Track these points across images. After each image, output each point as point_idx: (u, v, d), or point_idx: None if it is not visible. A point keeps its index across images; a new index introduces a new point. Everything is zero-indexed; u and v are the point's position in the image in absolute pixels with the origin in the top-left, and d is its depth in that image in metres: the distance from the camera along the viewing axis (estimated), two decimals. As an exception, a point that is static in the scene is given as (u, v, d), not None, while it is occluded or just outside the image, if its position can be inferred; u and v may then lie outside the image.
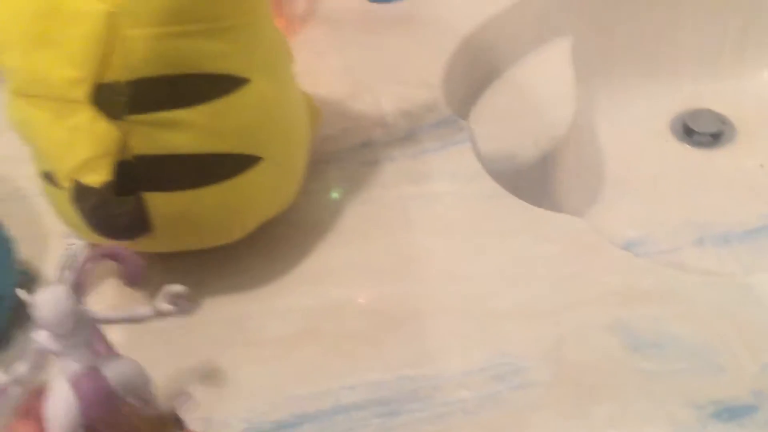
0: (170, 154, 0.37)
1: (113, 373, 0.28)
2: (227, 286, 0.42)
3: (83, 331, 0.28)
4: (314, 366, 0.38)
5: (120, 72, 0.35)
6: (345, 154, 0.49)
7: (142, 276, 0.32)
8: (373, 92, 0.52)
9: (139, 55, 0.34)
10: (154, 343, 0.36)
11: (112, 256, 0.31)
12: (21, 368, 0.28)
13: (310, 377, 0.38)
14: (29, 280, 0.42)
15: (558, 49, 0.62)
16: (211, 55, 0.36)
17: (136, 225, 0.38)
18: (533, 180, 0.53)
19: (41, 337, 0.27)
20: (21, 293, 0.27)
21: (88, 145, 0.35)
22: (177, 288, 0.31)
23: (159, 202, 0.37)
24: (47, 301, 0.26)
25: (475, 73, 0.58)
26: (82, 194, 0.36)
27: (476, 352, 0.38)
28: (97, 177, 0.35)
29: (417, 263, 0.42)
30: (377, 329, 0.39)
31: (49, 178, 0.38)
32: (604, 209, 0.59)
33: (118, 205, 0.36)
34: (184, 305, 0.31)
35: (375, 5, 0.61)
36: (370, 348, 0.38)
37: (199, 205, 0.38)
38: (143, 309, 0.31)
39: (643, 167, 0.63)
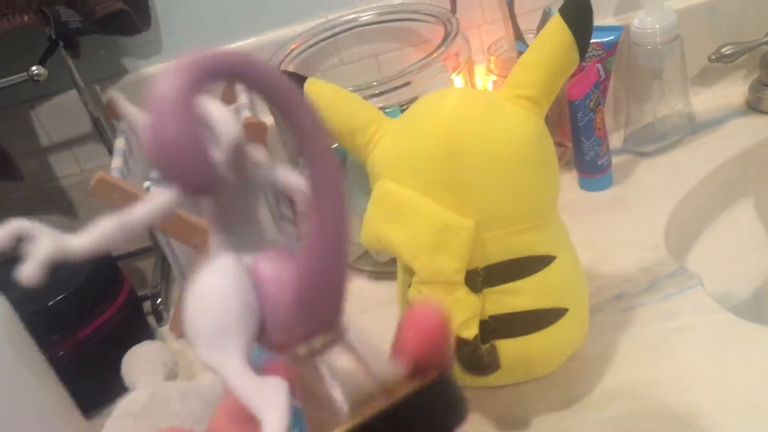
0: (511, 312, 0.55)
1: None
2: (549, 406, 0.57)
3: None
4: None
5: (478, 261, 0.54)
6: (605, 305, 0.65)
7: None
8: (613, 257, 0.69)
9: (490, 249, 0.53)
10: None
11: None
12: None
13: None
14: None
15: (744, 206, 0.77)
16: (533, 243, 0.54)
17: (493, 364, 0.55)
18: (753, 309, 0.67)
19: None
20: None
21: (464, 311, 0.53)
22: None
23: (505, 347, 0.55)
24: None
25: (685, 233, 0.74)
26: (460, 344, 0.53)
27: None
28: (470, 332, 0.53)
29: (687, 378, 0.56)
30: (672, 427, 0.53)
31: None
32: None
33: (483, 351, 0.54)
34: None
35: (590, 193, 0.80)
36: (672, 441, 0.52)
37: (531, 347, 0.55)
38: None
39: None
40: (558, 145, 0.85)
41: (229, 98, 0.81)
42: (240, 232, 0.24)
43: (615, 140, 0.86)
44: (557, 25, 0.53)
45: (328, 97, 0.57)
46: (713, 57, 0.83)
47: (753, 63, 0.86)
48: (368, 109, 0.57)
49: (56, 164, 0.88)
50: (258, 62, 0.21)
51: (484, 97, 0.56)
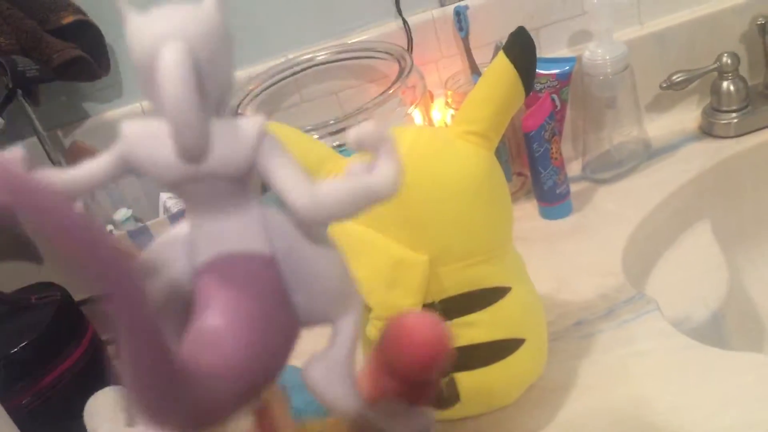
0: (469, 344, 0.55)
1: None
2: (512, 438, 0.57)
3: None
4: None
5: (435, 295, 0.54)
6: (564, 333, 0.66)
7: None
8: (572, 284, 0.70)
9: (445, 283, 0.54)
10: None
11: None
12: None
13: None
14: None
15: (701, 229, 0.79)
16: (488, 275, 0.55)
17: (452, 397, 0.55)
18: (711, 332, 0.68)
19: None
20: None
21: (421, 346, 0.54)
22: None
23: (464, 379, 0.55)
24: None
25: (643, 258, 0.75)
26: (419, 379, 0.54)
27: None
28: (428, 366, 0.54)
29: (646, 403, 0.57)
30: (632, 453, 0.54)
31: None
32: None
33: (442, 384, 0.54)
34: None
35: (550, 221, 0.81)
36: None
37: (490, 378, 0.56)
38: None
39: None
40: (518, 174, 0.87)
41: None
42: (208, 221, 0.20)
43: (574, 168, 0.88)
44: (501, 62, 0.54)
45: (282, 139, 0.58)
46: (664, 85, 0.85)
47: (705, 89, 0.88)
48: (321, 148, 0.58)
49: (20, 210, 0.88)
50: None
51: (435, 135, 0.58)
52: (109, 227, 0.77)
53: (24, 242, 0.88)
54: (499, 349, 0.56)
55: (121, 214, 0.78)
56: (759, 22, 0.84)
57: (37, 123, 0.78)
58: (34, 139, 0.79)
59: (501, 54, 0.54)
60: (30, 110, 0.76)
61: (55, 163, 0.80)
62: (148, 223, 0.70)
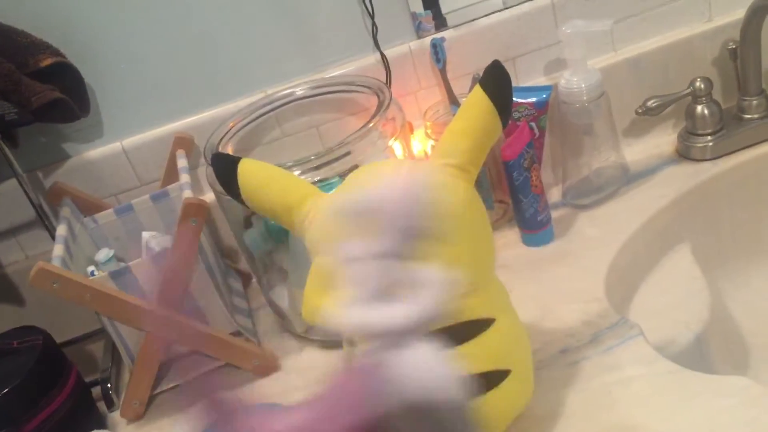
0: (455, 377, 0.55)
1: None
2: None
3: None
4: None
5: (419, 329, 0.54)
6: (550, 361, 0.66)
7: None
8: (556, 311, 0.71)
9: (429, 316, 0.54)
10: None
11: None
12: None
13: None
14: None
15: (681, 253, 0.80)
16: (471, 307, 0.55)
17: (440, 431, 0.55)
18: (695, 355, 0.68)
19: None
20: None
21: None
22: None
23: (451, 412, 0.55)
24: None
25: (625, 283, 0.76)
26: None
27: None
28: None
29: (632, 429, 0.57)
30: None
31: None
32: (756, 369, 0.73)
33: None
34: None
35: (533, 249, 0.81)
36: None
37: (477, 410, 0.55)
38: None
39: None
40: (500, 202, 0.87)
41: (171, 177, 0.82)
42: None
43: (555, 194, 0.89)
44: (478, 95, 0.55)
45: (262, 176, 0.58)
46: (640, 110, 0.86)
47: (680, 113, 0.89)
48: (302, 185, 0.58)
49: (1, 252, 0.87)
50: None
51: (415, 169, 0.58)
52: (91, 268, 0.77)
53: (5, 285, 0.87)
54: (486, 381, 0.56)
55: (103, 254, 0.78)
56: (730, 47, 0.86)
57: (16, 165, 0.77)
58: (14, 180, 0.79)
59: (477, 88, 0.55)
60: (8, 152, 0.76)
61: (35, 204, 0.80)
62: (131, 263, 0.70)
